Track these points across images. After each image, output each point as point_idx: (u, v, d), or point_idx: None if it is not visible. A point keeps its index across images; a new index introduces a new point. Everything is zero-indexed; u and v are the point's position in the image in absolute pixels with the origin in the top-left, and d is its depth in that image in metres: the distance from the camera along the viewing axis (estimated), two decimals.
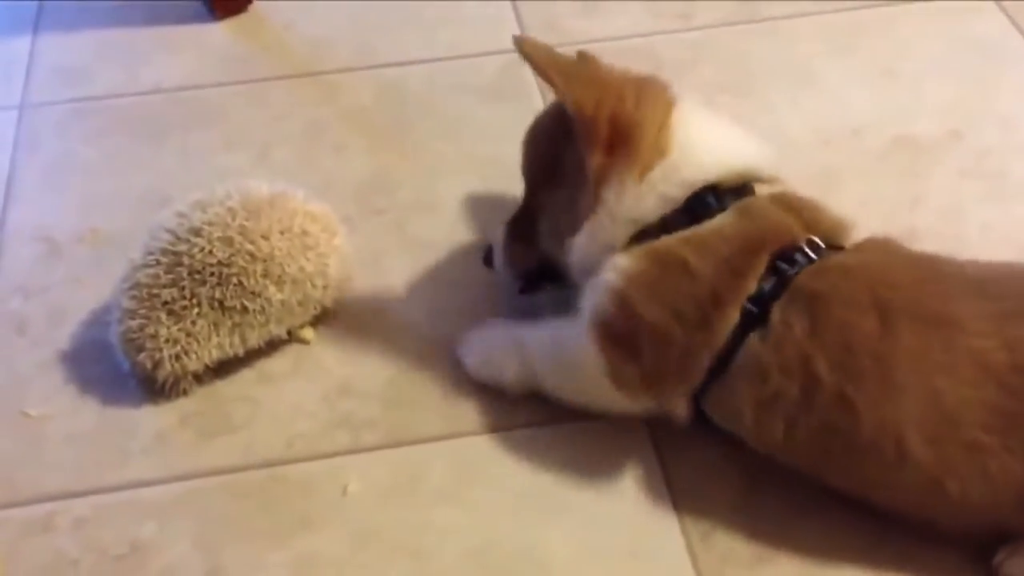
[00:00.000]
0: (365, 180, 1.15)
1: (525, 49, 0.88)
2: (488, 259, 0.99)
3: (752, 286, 0.81)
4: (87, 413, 0.94)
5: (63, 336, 1.00)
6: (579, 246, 0.87)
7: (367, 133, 1.20)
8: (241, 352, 0.95)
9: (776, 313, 0.80)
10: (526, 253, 0.96)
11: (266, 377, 0.97)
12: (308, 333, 0.99)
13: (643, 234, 0.84)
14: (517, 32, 1.31)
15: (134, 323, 0.93)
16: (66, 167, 1.17)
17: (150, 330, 0.93)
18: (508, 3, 1.35)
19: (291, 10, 1.36)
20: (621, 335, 0.83)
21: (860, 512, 0.85)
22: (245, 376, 0.97)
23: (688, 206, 0.84)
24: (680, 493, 0.88)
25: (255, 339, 0.95)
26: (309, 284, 0.96)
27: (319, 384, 0.96)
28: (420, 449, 0.92)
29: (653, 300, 0.81)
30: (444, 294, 1.03)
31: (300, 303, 0.96)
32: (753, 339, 0.80)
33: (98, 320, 1.00)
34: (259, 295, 0.93)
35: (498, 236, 0.97)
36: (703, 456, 0.90)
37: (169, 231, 0.95)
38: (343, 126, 1.21)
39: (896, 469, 0.78)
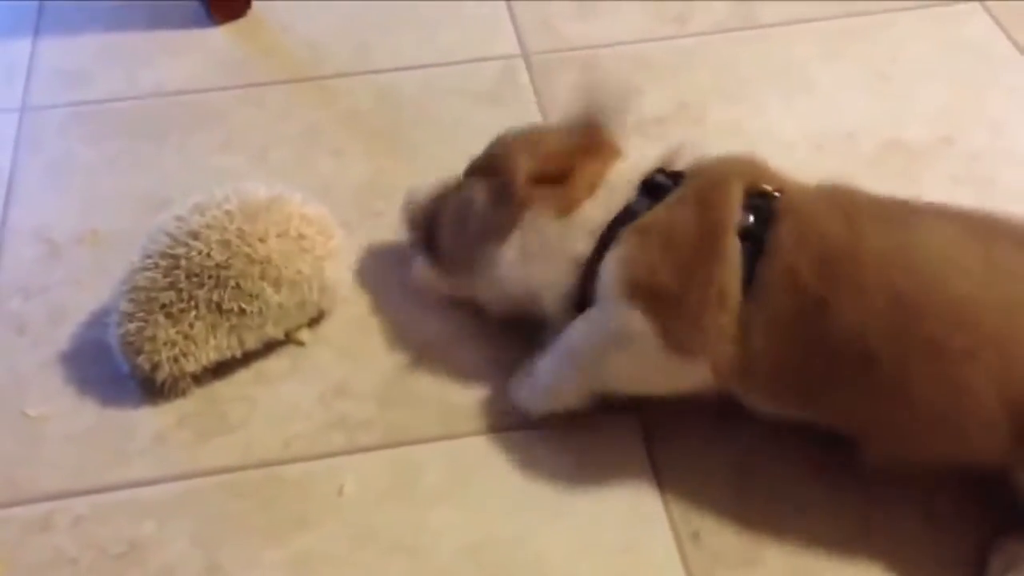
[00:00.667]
0: (363, 183, 1.16)
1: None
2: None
3: (738, 215, 0.84)
4: (86, 413, 0.95)
5: (63, 336, 1.01)
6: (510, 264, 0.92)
7: (364, 136, 1.21)
8: (239, 354, 0.96)
9: (769, 237, 0.83)
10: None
11: (263, 378, 0.98)
12: (305, 334, 1.00)
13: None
14: (513, 36, 1.32)
15: (132, 326, 0.94)
16: (66, 169, 1.18)
17: (148, 333, 0.94)
18: (504, 7, 1.36)
19: (289, 14, 1.37)
20: (649, 290, 0.84)
21: (851, 513, 0.87)
22: (242, 377, 0.98)
23: (644, 191, 0.89)
24: (671, 493, 0.89)
25: (252, 341, 0.96)
26: (306, 286, 0.97)
27: (316, 385, 0.97)
28: (416, 449, 0.93)
29: (660, 253, 0.84)
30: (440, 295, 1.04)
31: (297, 305, 0.97)
32: (759, 266, 0.83)
33: (97, 321, 1.01)
34: (256, 297, 0.94)
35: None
36: (694, 456, 0.91)
37: (167, 234, 0.96)
38: (341, 129, 1.22)
39: (865, 374, 0.79)
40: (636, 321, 0.84)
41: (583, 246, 0.89)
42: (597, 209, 0.90)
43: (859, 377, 0.80)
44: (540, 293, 0.92)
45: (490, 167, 0.96)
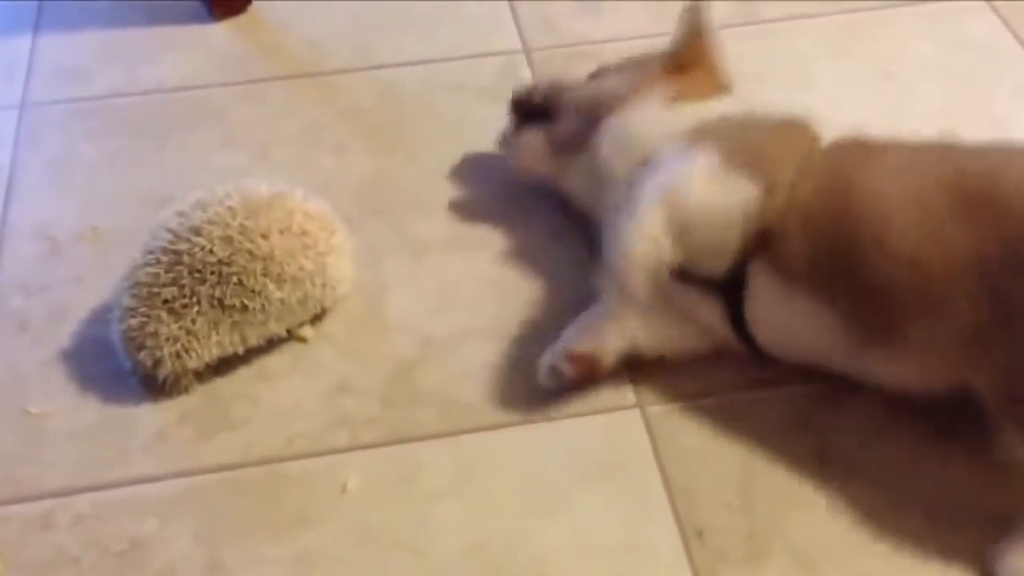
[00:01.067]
0: (364, 180, 1.15)
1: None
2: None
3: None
4: (88, 410, 0.95)
5: (64, 334, 1.01)
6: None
7: (366, 133, 1.21)
8: (241, 350, 0.96)
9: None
10: None
11: (266, 375, 0.97)
12: (307, 331, 1.00)
13: None
14: (515, 33, 1.32)
15: (135, 321, 0.94)
16: (67, 166, 1.18)
17: (150, 328, 0.93)
18: (505, 4, 1.36)
19: (290, 11, 1.36)
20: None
21: (855, 511, 0.86)
22: (245, 374, 0.97)
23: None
24: (676, 491, 0.88)
25: (255, 337, 0.96)
26: (308, 283, 0.96)
27: (318, 382, 0.97)
28: (418, 446, 0.92)
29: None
30: (442, 292, 1.04)
31: (299, 302, 0.97)
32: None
33: (99, 318, 1.01)
34: (259, 294, 0.94)
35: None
36: (699, 454, 0.91)
37: (170, 230, 0.96)
38: (342, 126, 1.22)
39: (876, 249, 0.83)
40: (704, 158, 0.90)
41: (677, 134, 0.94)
42: (700, 110, 0.98)
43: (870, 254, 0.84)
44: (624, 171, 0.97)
45: (624, 65, 1.07)
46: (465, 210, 1.12)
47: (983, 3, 1.34)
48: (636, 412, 0.93)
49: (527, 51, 1.30)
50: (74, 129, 1.22)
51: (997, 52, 1.29)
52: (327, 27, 1.34)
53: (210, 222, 0.95)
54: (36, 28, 1.34)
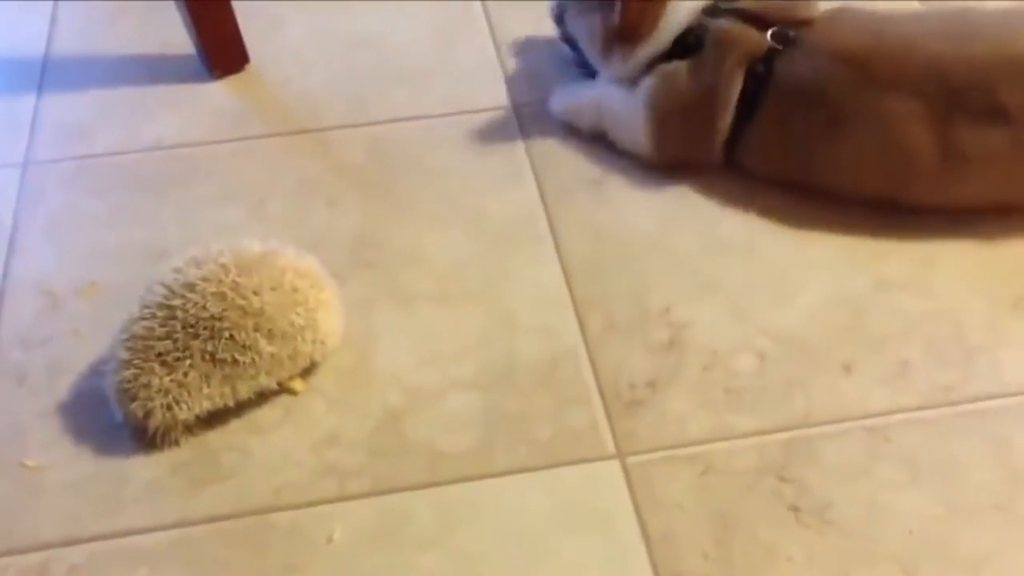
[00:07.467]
0: (356, 233, 1.18)
1: None
2: (560, 19, 1.33)
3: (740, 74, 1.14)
4: (83, 463, 0.97)
5: (62, 387, 1.03)
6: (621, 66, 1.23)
7: (358, 187, 1.24)
8: (231, 403, 0.98)
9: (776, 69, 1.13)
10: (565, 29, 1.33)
11: (256, 427, 1.00)
12: (298, 384, 1.03)
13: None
14: (503, 88, 1.35)
15: (128, 373, 0.97)
16: (68, 221, 1.21)
17: (143, 380, 0.96)
18: (496, 60, 1.40)
19: (287, 69, 1.40)
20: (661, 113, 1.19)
21: (828, 560, 0.88)
22: (235, 426, 1.00)
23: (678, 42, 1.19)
24: (654, 540, 0.90)
25: (245, 391, 0.98)
26: (299, 338, 0.99)
27: (307, 433, 0.99)
28: (404, 497, 0.95)
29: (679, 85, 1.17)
30: (430, 344, 1.06)
31: (290, 356, 0.99)
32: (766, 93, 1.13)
33: (95, 371, 1.03)
34: (250, 348, 0.97)
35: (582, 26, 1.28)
36: (676, 504, 0.92)
37: (165, 286, 0.99)
38: (335, 181, 1.25)
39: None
40: (643, 123, 1.20)
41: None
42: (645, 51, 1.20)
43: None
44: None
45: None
46: (453, 263, 1.15)
47: None
48: (616, 463, 0.96)
49: (516, 106, 1.33)
50: (75, 185, 1.25)
51: None
52: (323, 84, 1.38)
53: (204, 278, 0.98)
54: (40, 87, 1.38)
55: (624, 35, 1.20)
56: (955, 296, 1.08)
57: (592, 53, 1.27)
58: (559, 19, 1.33)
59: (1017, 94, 1.03)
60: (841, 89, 1.09)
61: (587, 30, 1.26)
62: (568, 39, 1.33)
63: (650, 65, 1.20)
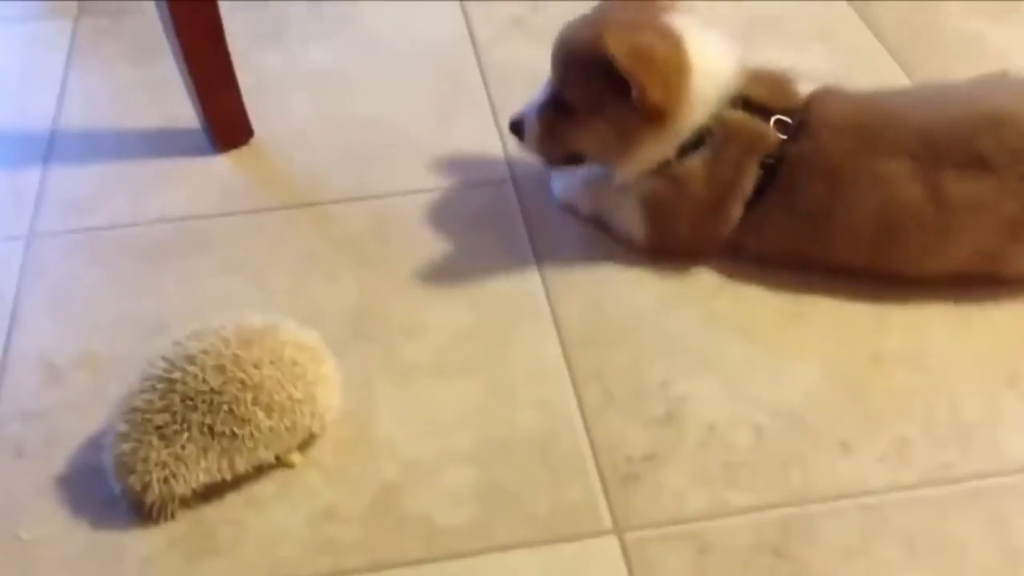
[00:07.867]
0: (356, 306, 1.19)
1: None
2: (517, 130, 1.25)
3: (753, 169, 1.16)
4: (78, 536, 0.97)
5: (59, 460, 1.03)
6: (630, 170, 1.20)
7: (359, 261, 1.25)
8: (229, 477, 0.98)
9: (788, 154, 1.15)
10: (557, 146, 1.24)
11: (252, 501, 1.00)
12: (295, 457, 1.03)
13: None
14: (503, 162, 1.37)
15: (127, 446, 0.97)
16: (70, 294, 1.22)
17: (142, 453, 0.96)
18: (495, 134, 1.42)
19: (290, 144, 1.42)
20: (662, 213, 1.21)
21: None
22: (232, 500, 1.00)
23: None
24: None
25: (243, 464, 0.98)
26: (297, 411, 0.99)
27: (304, 507, 0.99)
28: (402, 572, 0.94)
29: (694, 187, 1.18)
30: (429, 417, 1.07)
31: (288, 429, 0.99)
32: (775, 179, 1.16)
33: (93, 444, 1.03)
34: (248, 421, 0.97)
35: (532, 122, 1.23)
36: (670, 567, 0.92)
37: (165, 359, 0.99)
38: (336, 254, 1.26)
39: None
40: (638, 226, 1.23)
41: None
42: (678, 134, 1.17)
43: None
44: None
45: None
46: (452, 337, 1.15)
47: None
48: (613, 538, 0.95)
49: (514, 179, 1.35)
50: (78, 258, 1.26)
51: None
52: (325, 158, 1.40)
53: (204, 351, 0.99)
54: (46, 161, 1.40)
55: (652, 115, 1.13)
56: (950, 370, 1.09)
57: (603, 158, 1.23)
58: (515, 128, 1.25)
59: (992, 143, 1.10)
60: (841, 157, 1.14)
61: (594, 138, 1.20)
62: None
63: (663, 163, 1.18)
